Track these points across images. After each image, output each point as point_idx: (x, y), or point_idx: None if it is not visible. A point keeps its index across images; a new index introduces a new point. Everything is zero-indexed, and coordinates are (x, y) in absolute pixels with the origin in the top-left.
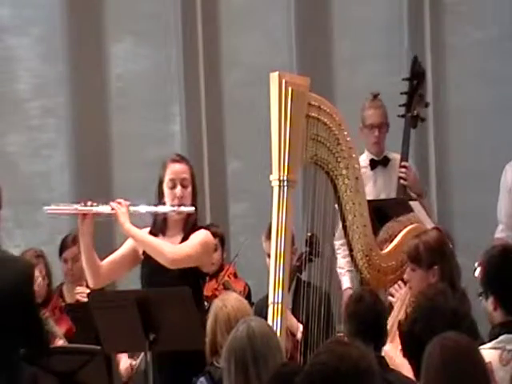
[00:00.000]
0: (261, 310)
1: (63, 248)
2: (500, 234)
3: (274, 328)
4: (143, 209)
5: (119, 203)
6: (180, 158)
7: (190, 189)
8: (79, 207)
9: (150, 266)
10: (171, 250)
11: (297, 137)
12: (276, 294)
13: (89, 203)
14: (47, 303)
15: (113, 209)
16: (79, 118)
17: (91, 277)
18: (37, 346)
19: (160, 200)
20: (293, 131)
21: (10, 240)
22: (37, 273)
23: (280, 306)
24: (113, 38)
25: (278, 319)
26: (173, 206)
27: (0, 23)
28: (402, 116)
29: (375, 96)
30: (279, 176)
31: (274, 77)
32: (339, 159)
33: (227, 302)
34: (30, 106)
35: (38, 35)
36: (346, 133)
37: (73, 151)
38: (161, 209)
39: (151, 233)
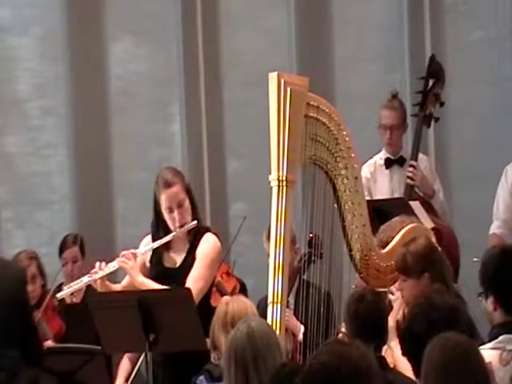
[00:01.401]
0: (263, 309)
1: (63, 248)
2: (497, 230)
3: (274, 327)
4: (149, 247)
5: (125, 256)
6: (171, 178)
7: (187, 204)
8: (90, 278)
9: (157, 269)
10: None
11: (296, 137)
12: (275, 294)
13: (96, 266)
14: (41, 304)
15: (120, 265)
16: (79, 117)
17: None
18: (32, 351)
19: (158, 219)
20: (292, 131)
21: (10, 240)
22: (29, 274)
23: (280, 305)
24: (113, 38)
25: (278, 318)
26: (174, 229)
27: (0, 23)
28: (415, 115)
29: (394, 96)
30: (278, 176)
31: (272, 77)
32: (338, 159)
33: (232, 301)
34: (29, 106)
35: (38, 35)
36: (345, 133)
37: (73, 151)
38: (166, 239)
39: (157, 250)
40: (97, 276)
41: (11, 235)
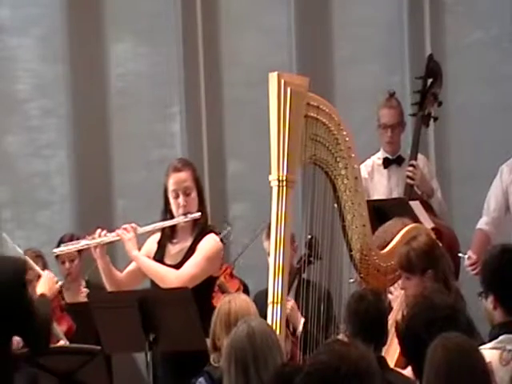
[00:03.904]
0: (260, 300)
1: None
2: (484, 226)
3: (274, 327)
4: (150, 227)
5: (125, 229)
6: (181, 165)
7: (194, 194)
8: (88, 241)
9: None
10: (175, 278)
11: (296, 137)
12: (275, 293)
13: (97, 232)
14: None
15: (118, 235)
16: (79, 118)
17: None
18: (33, 344)
19: (166, 207)
20: (292, 131)
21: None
22: (35, 273)
23: (279, 305)
24: (113, 37)
25: (278, 318)
26: (178, 215)
27: (0, 23)
28: (414, 115)
29: (391, 95)
30: (278, 176)
31: (272, 77)
32: (338, 159)
33: (234, 299)
34: (29, 106)
35: (38, 35)
36: (345, 133)
37: (73, 151)
38: (167, 223)
39: (161, 241)
40: (94, 241)
41: (11, 235)
